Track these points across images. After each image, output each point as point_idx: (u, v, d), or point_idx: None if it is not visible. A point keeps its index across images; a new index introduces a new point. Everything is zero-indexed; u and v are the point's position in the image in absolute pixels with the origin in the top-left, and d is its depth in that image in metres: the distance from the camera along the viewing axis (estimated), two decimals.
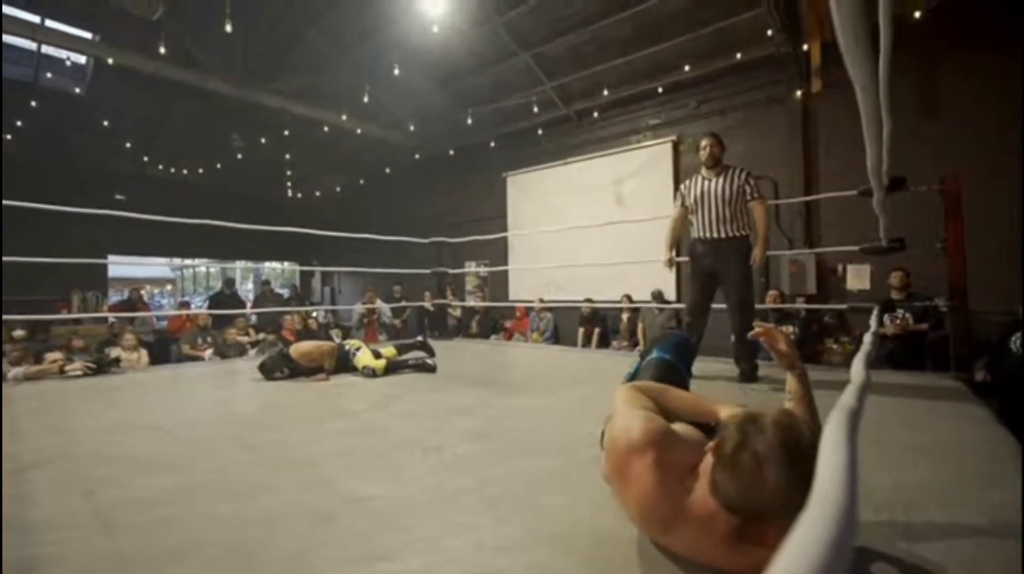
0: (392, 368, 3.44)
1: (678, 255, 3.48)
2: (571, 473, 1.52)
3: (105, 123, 8.72)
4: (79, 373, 3.39)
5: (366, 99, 7.80)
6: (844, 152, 5.47)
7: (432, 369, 3.50)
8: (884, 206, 2.68)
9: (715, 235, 3.02)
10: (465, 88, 8.28)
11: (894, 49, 1.24)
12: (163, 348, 6.85)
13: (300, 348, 3.38)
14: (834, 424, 0.43)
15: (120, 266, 13.46)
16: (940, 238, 3.00)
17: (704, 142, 3.12)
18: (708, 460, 0.91)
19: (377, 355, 3.41)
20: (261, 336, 7.03)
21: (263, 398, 2.79)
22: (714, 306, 3.14)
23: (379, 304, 7.77)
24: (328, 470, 1.60)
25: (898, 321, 4.09)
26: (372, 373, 3.29)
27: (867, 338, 1.44)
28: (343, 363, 3.44)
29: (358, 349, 3.49)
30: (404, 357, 3.61)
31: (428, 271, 6.10)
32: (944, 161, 4.62)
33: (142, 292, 8.97)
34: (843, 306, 4.44)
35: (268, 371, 3.25)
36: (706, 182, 3.06)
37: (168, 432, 2.08)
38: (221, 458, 1.74)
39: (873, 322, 2.40)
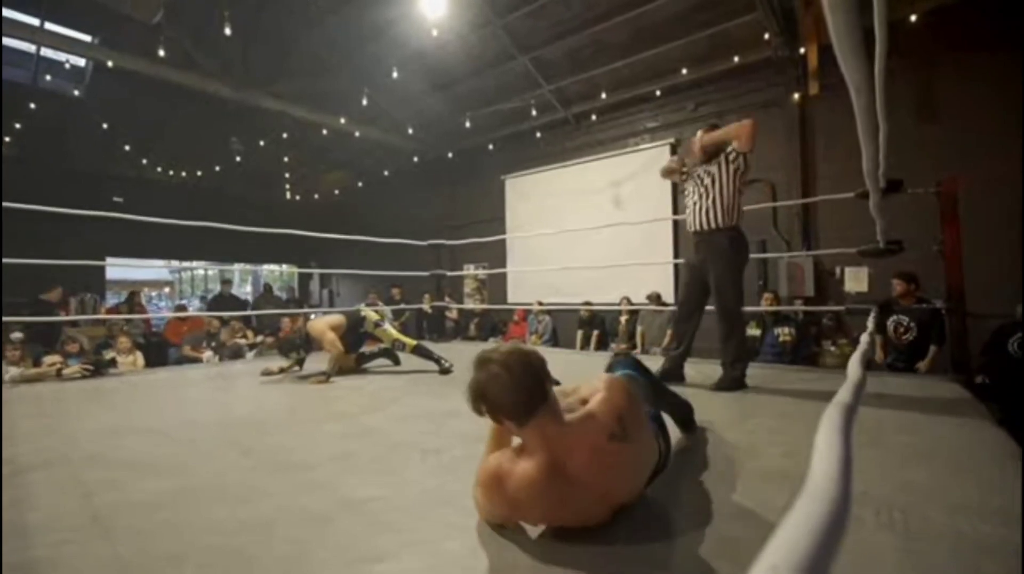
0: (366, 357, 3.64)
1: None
2: None
3: (104, 126, 8.73)
4: (77, 375, 3.38)
5: (365, 102, 7.83)
6: (842, 155, 5.50)
7: (447, 371, 3.51)
8: (881, 209, 2.69)
9: (701, 227, 2.81)
10: (464, 91, 8.30)
11: (889, 52, 1.25)
12: (160, 351, 6.83)
13: (315, 326, 3.42)
14: (829, 419, 0.44)
15: (118, 268, 13.46)
16: (937, 240, 3.01)
17: (698, 134, 2.97)
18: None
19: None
20: (259, 338, 7.02)
21: (261, 401, 2.79)
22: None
23: (381, 307, 7.78)
24: (325, 473, 1.59)
25: (902, 330, 4.05)
26: (402, 347, 3.50)
27: (864, 338, 1.45)
28: (355, 331, 3.48)
29: (378, 322, 3.56)
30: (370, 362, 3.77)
31: (426, 273, 6.10)
32: (941, 163, 4.65)
33: (140, 295, 8.98)
34: (840, 308, 4.45)
35: (284, 350, 3.31)
36: (697, 170, 2.92)
37: (166, 435, 2.07)
38: (218, 461, 1.73)
39: (870, 324, 2.41)
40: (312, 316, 8.34)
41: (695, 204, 2.84)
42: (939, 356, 3.92)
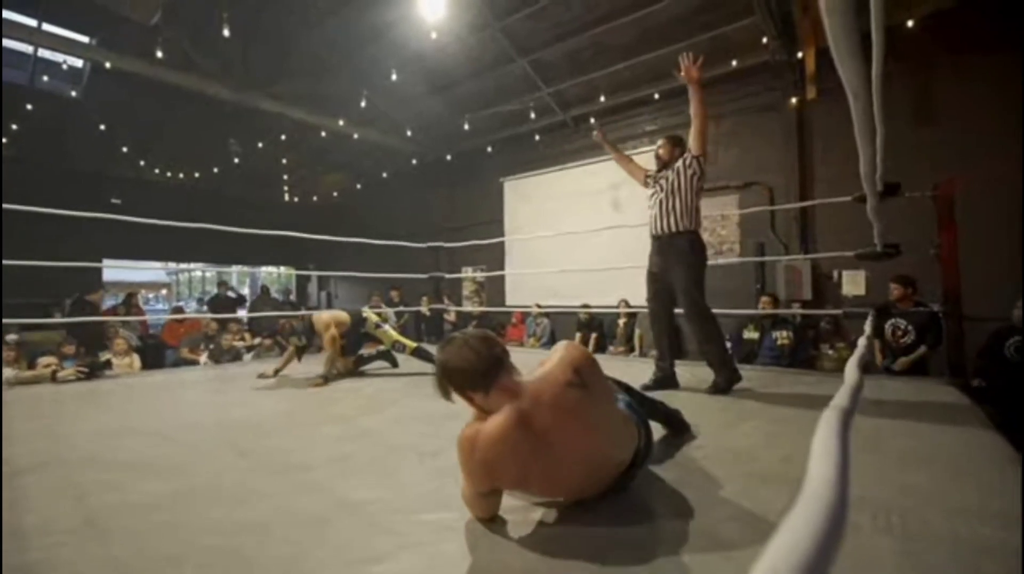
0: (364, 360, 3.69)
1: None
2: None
3: (102, 127, 8.71)
4: (71, 378, 3.37)
5: (364, 104, 7.83)
6: (839, 158, 5.52)
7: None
8: (878, 212, 2.70)
9: (662, 230, 2.83)
10: (463, 94, 8.31)
11: (886, 56, 1.26)
12: (156, 353, 6.81)
13: (320, 318, 3.45)
14: (825, 423, 0.44)
15: (115, 270, 13.42)
16: (934, 244, 3.02)
17: (657, 144, 3.04)
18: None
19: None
20: (257, 341, 7.00)
21: (258, 403, 2.78)
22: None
23: (385, 309, 7.78)
24: (323, 475, 1.59)
25: (900, 334, 4.06)
26: (403, 349, 3.53)
27: (861, 342, 1.45)
28: (356, 331, 3.53)
29: (379, 324, 3.63)
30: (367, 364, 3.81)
31: (425, 276, 6.09)
32: (938, 166, 4.66)
33: (137, 297, 8.94)
34: (838, 311, 4.46)
35: (284, 335, 3.36)
36: (659, 178, 2.96)
37: (163, 437, 2.07)
38: (216, 463, 1.73)
39: (868, 327, 2.42)
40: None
41: (657, 207, 2.88)
42: (929, 358, 3.94)
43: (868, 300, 5.39)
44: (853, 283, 5.78)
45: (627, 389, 1.71)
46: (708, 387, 2.72)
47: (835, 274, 5.90)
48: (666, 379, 2.89)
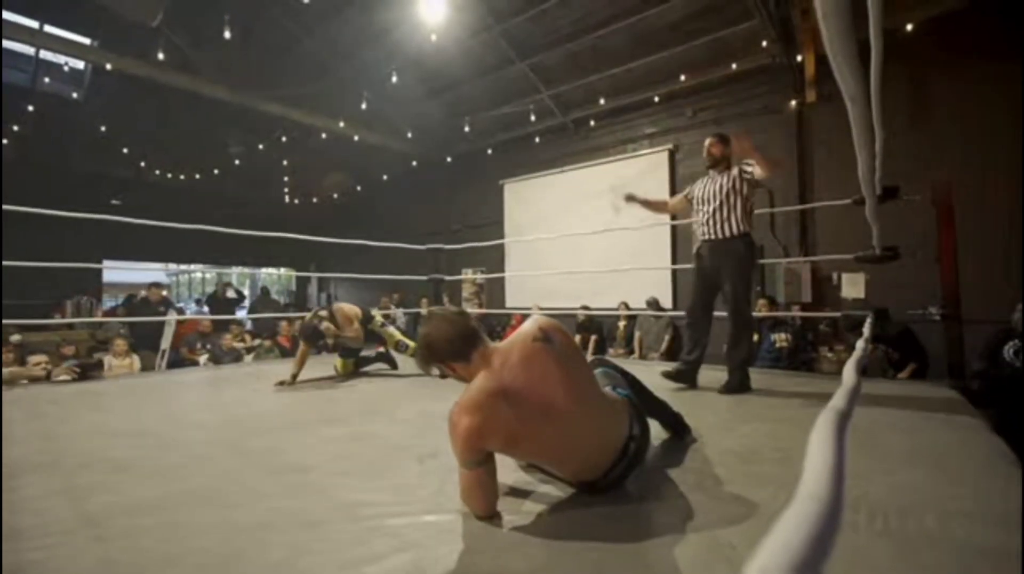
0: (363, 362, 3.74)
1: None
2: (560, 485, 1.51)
3: (103, 128, 8.72)
4: (66, 378, 3.36)
5: (364, 106, 7.84)
6: (839, 161, 5.52)
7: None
8: (877, 215, 2.70)
9: (713, 235, 2.93)
10: (463, 96, 8.33)
11: (885, 60, 1.26)
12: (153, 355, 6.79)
13: (346, 310, 3.45)
14: (822, 424, 0.44)
15: (115, 271, 13.41)
16: (933, 246, 3.02)
17: (706, 142, 3.07)
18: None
19: None
20: (257, 342, 7.00)
21: (256, 404, 2.77)
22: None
23: (394, 310, 7.81)
24: (320, 476, 1.59)
25: (890, 354, 4.13)
26: (405, 348, 3.56)
27: (859, 344, 1.45)
28: (365, 327, 3.54)
29: (383, 323, 3.67)
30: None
31: (424, 278, 6.10)
32: (936, 168, 4.67)
33: (138, 298, 8.92)
34: (837, 314, 4.46)
35: (312, 339, 3.37)
36: (708, 181, 3.02)
37: (159, 438, 2.06)
38: (212, 464, 1.72)
39: (867, 330, 2.41)
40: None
41: (712, 212, 2.92)
42: (925, 367, 3.98)
43: (867, 303, 5.39)
44: (853, 286, 5.78)
45: (631, 382, 1.72)
46: (720, 386, 2.80)
47: (835, 276, 5.90)
48: (687, 373, 2.96)
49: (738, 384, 2.79)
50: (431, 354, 1.37)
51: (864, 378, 3.22)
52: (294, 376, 3.26)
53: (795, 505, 0.29)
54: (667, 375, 2.95)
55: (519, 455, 1.36)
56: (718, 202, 2.90)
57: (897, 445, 1.77)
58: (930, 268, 3.11)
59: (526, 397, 1.25)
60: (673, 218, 6.98)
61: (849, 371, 0.92)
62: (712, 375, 3.05)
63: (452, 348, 1.33)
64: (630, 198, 3.31)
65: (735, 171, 2.90)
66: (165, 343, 5.97)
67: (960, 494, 1.33)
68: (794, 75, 6.01)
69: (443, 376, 1.41)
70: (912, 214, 3.48)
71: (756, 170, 2.80)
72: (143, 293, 6.59)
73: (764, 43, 5.85)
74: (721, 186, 2.90)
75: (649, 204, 3.35)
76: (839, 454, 0.37)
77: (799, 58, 5.82)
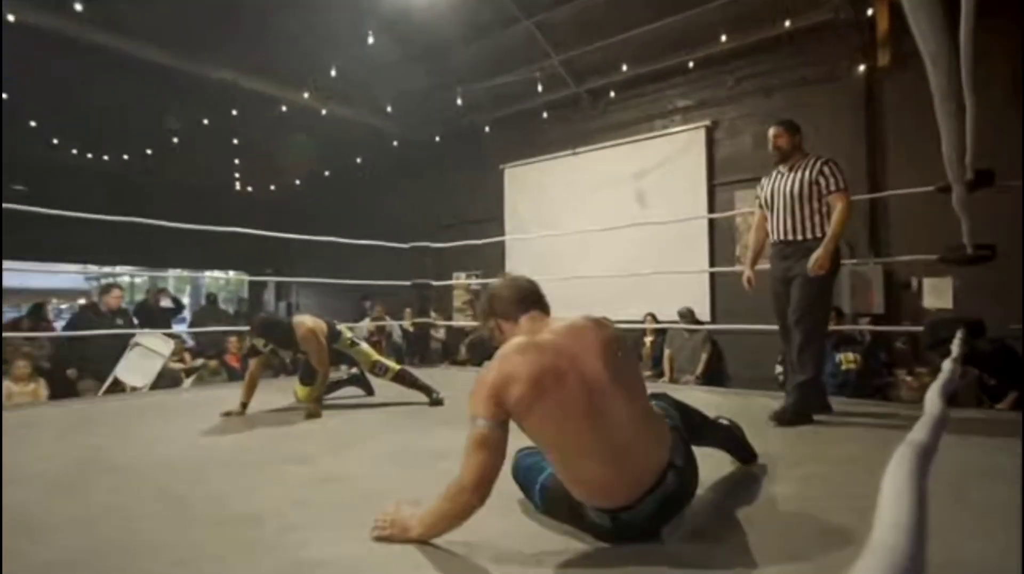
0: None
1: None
2: (576, 533, 1.51)
3: (3, 96, 8.70)
4: None
5: (334, 73, 7.88)
6: (919, 140, 5.52)
7: (438, 402, 3.62)
8: (967, 205, 2.70)
9: (786, 238, 3.10)
10: (454, 62, 8.37)
11: (979, 13, 1.26)
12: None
13: (306, 325, 3.38)
14: (897, 461, 0.43)
15: (17, 274, 13.40)
16: None
17: (769, 133, 3.23)
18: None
19: None
20: (199, 362, 7.01)
21: (199, 438, 2.77)
22: None
23: (390, 322, 7.85)
24: (274, 529, 1.58)
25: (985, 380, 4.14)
26: (384, 371, 3.60)
27: (946, 365, 1.44)
28: (331, 345, 3.50)
29: (354, 341, 3.66)
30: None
31: (408, 283, 6.11)
32: None
33: (47, 308, 8.91)
34: (918, 328, 4.44)
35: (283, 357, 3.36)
36: (779, 177, 3.18)
37: (71, 484, 2.05)
38: (138, 513, 1.72)
39: (955, 348, 2.40)
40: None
41: (786, 213, 3.08)
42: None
43: (956, 314, 5.37)
44: (937, 293, 5.76)
45: (681, 409, 1.82)
46: (772, 414, 2.81)
47: (914, 282, 5.89)
48: (814, 400, 2.97)
49: (793, 413, 2.80)
50: (490, 306, 1.70)
51: (953, 408, 3.19)
52: (243, 405, 3.25)
53: (865, 559, 0.28)
54: (780, 420, 2.80)
55: (539, 423, 1.43)
56: (794, 202, 3.05)
57: (995, 497, 1.76)
58: None
59: (559, 351, 1.47)
60: (711, 210, 7.02)
61: (933, 398, 0.92)
62: (766, 403, 3.04)
63: (503, 306, 1.66)
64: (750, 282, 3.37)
65: (815, 165, 3.03)
66: (126, 371, 5.66)
67: None
68: (863, 33, 6.03)
69: (490, 339, 1.71)
70: (1013, 205, 3.47)
71: (833, 200, 2.96)
72: (93, 299, 6.57)
73: None
74: (797, 183, 3.04)
75: (756, 251, 3.45)
76: (919, 498, 0.36)
77: (869, 11, 5.84)
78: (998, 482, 1.86)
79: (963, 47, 1.30)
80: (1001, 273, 3.92)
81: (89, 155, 10.85)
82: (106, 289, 6.46)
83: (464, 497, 1.37)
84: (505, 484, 1.64)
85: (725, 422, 2.08)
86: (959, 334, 2.92)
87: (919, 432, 0.60)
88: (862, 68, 6.10)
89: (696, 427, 1.83)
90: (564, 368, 1.43)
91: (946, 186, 2.69)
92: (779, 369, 3.05)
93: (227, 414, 3.19)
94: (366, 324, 8.25)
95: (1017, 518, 1.53)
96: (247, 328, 3.92)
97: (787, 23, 6.28)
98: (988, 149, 2.54)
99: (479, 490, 1.36)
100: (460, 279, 9.29)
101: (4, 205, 3.52)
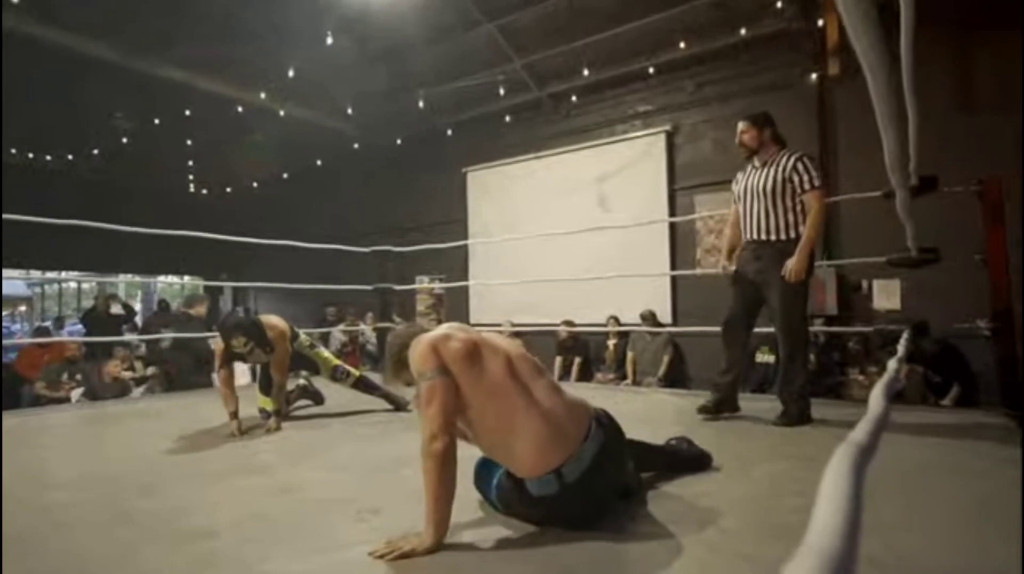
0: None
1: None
2: (545, 539, 1.51)
3: None
4: None
5: (292, 73, 7.75)
6: (869, 146, 5.69)
7: (403, 407, 3.57)
8: (910, 211, 2.80)
9: (758, 237, 3.04)
10: (416, 64, 8.32)
11: (919, 22, 1.29)
12: (9, 389, 6.49)
13: (275, 324, 3.33)
14: (838, 462, 0.45)
15: None
16: (980, 249, 3.12)
17: (738, 127, 3.14)
18: None
19: None
20: (151, 370, 6.79)
21: (146, 450, 2.68)
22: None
23: (364, 327, 7.76)
24: (229, 542, 1.55)
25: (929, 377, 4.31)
26: (344, 376, 3.55)
27: (891, 364, 1.50)
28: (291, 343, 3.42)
29: (312, 344, 3.65)
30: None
31: (369, 287, 6.03)
32: (984, 157, 4.85)
33: None
34: (869, 329, 4.59)
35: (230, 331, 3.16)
36: (753, 172, 3.09)
37: (16, 498, 1.97)
38: (86, 532, 1.66)
39: (901, 348, 2.49)
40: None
41: (757, 209, 3.03)
42: (975, 390, 4.14)
43: (904, 315, 5.56)
44: (886, 295, 5.96)
45: (637, 449, 1.91)
46: (777, 417, 2.90)
47: (864, 284, 6.08)
48: (728, 399, 3.08)
49: (798, 415, 2.88)
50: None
51: (900, 405, 3.33)
52: (233, 414, 3.02)
53: (796, 562, 0.29)
54: (705, 411, 3.04)
55: (475, 381, 1.56)
56: (767, 199, 2.99)
57: (935, 490, 1.82)
58: (979, 274, 3.19)
59: (485, 336, 1.70)
60: (671, 214, 7.14)
61: (876, 397, 0.95)
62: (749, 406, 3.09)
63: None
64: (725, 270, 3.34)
65: (789, 161, 2.96)
66: None
67: (1013, 556, 1.32)
68: (815, 42, 6.22)
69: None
70: (958, 210, 3.57)
71: (808, 199, 2.92)
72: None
73: (779, 3, 6.05)
74: (770, 180, 2.98)
75: (731, 246, 3.37)
76: (854, 499, 0.38)
77: (820, 22, 6.03)
78: (940, 477, 1.93)
79: (904, 56, 1.35)
80: (946, 275, 4.07)
81: (31, 155, 10.46)
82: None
83: (436, 444, 1.45)
84: (468, 491, 1.64)
85: (674, 443, 2.15)
86: (905, 334, 3.04)
87: (859, 432, 0.62)
88: (814, 76, 6.30)
89: (640, 455, 1.92)
90: (493, 344, 1.68)
91: (891, 192, 2.78)
92: (728, 378, 3.09)
93: (232, 435, 2.93)
94: (339, 335, 8.12)
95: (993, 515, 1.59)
96: (209, 334, 3.80)
97: (743, 31, 6.45)
98: (931, 156, 2.63)
99: (445, 431, 1.47)
100: (423, 283, 9.24)
101: None
